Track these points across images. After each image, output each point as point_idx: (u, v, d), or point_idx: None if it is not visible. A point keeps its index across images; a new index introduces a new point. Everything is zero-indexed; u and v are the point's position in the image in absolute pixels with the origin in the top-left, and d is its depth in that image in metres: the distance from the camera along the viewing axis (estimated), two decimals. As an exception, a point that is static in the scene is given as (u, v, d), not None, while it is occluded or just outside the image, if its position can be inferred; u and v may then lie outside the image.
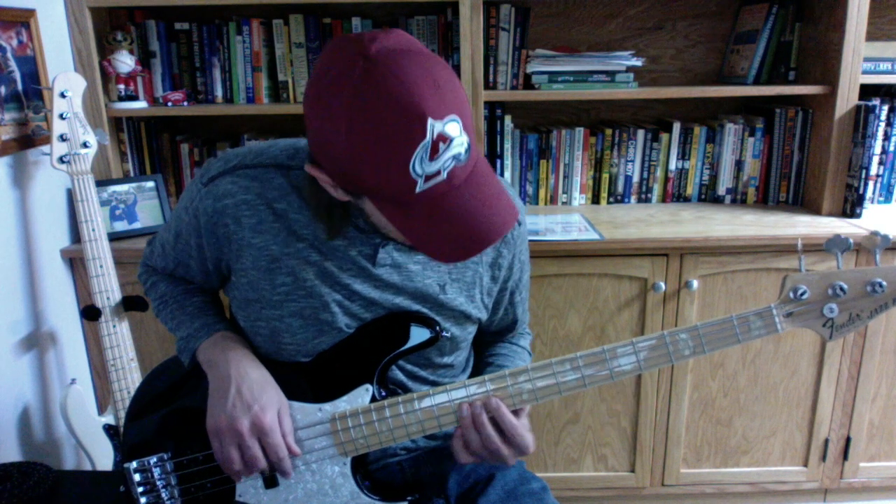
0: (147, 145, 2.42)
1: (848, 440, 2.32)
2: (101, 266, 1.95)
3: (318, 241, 1.12)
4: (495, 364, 1.32)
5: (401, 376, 1.21)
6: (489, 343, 1.39)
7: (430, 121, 0.86)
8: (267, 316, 1.15)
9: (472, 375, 1.37)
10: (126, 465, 1.16)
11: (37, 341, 2.06)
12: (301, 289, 1.13)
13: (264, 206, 1.11)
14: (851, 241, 1.07)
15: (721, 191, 2.54)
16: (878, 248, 1.06)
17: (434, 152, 0.88)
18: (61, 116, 1.93)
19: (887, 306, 1.07)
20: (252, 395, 1.09)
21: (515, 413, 1.10)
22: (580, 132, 2.48)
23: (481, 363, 1.36)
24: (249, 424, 1.07)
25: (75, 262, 2.20)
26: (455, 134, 0.89)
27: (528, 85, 2.41)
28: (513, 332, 1.40)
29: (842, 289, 1.07)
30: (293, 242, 1.12)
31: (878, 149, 2.43)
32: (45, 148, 2.03)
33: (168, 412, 1.21)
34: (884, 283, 1.06)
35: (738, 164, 2.51)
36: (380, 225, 1.03)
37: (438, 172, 0.90)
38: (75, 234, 2.22)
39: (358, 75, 0.87)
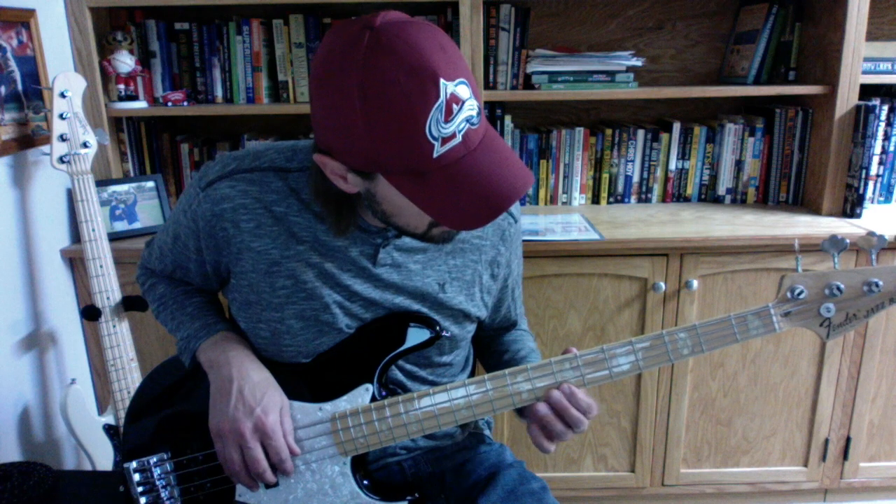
0: (147, 145, 2.43)
1: (848, 440, 2.32)
2: (101, 266, 1.95)
3: (318, 242, 1.12)
4: (511, 350, 1.33)
5: (400, 376, 1.22)
6: (493, 337, 1.40)
7: (442, 81, 0.87)
8: (267, 318, 1.15)
9: (484, 364, 1.39)
10: (126, 464, 1.17)
11: (37, 341, 2.06)
12: (301, 291, 1.13)
13: (262, 209, 1.11)
14: (848, 241, 1.07)
15: (721, 191, 2.54)
16: (874, 248, 1.06)
17: (448, 113, 0.88)
18: (61, 116, 1.93)
19: (884, 306, 1.08)
20: (254, 398, 1.09)
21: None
22: (580, 132, 2.48)
23: (493, 353, 1.37)
24: (252, 427, 1.07)
25: (75, 262, 2.20)
26: (466, 96, 0.90)
27: (528, 85, 2.41)
28: (515, 324, 1.41)
29: (839, 288, 1.07)
30: (293, 245, 1.12)
31: (878, 149, 2.43)
32: (45, 148, 2.03)
33: (168, 411, 1.22)
34: (880, 282, 1.06)
35: (738, 164, 2.51)
36: (392, 211, 1.02)
37: (454, 135, 0.90)
38: (75, 234, 2.22)
39: (366, 45, 0.87)
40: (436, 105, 0.87)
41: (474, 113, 0.92)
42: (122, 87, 2.31)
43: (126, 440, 1.22)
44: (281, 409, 1.11)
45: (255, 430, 1.08)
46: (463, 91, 0.90)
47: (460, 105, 0.89)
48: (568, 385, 1.11)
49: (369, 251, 1.13)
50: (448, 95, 0.88)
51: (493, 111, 2.43)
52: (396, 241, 1.14)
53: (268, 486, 1.13)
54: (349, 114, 0.89)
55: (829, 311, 1.09)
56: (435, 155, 0.90)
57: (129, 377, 1.98)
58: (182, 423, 1.19)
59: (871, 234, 1.07)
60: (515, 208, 1.26)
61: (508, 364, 1.28)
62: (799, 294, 1.08)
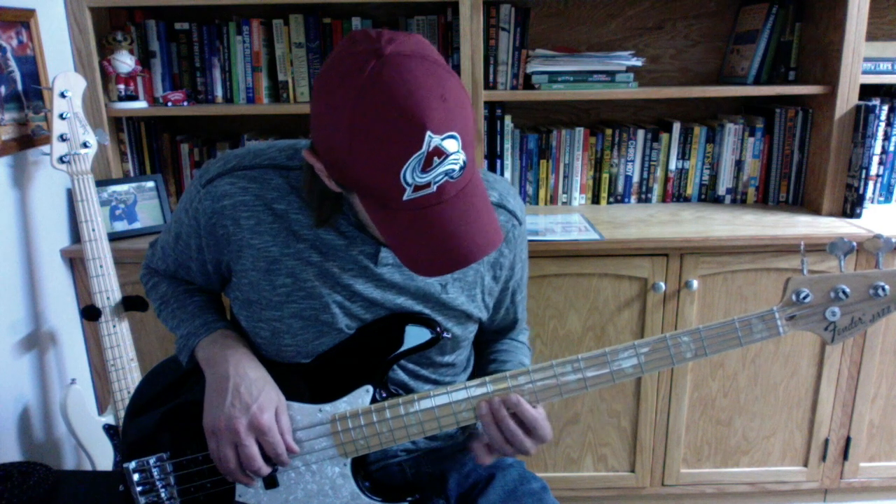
0: (147, 145, 2.42)
1: (848, 440, 2.32)
2: (101, 266, 1.95)
3: (319, 241, 1.12)
4: (498, 360, 1.32)
5: (402, 375, 1.22)
6: (489, 341, 1.39)
7: (428, 133, 0.87)
8: (267, 317, 1.15)
9: (473, 373, 1.37)
10: (125, 465, 1.16)
11: (37, 341, 2.06)
12: (301, 290, 1.13)
13: (263, 206, 1.11)
14: (854, 244, 1.07)
15: (721, 191, 2.54)
16: (880, 250, 1.06)
17: (427, 165, 0.88)
18: (61, 116, 1.93)
19: (889, 310, 1.07)
20: (250, 395, 1.09)
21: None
22: (580, 132, 2.48)
23: (483, 360, 1.36)
24: (247, 424, 1.07)
25: (75, 262, 2.20)
26: (452, 150, 0.89)
27: (528, 85, 2.41)
28: (513, 330, 1.40)
29: (844, 292, 1.07)
30: (293, 243, 1.12)
31: (878, 149, 2.43)
32: (45, 148, 2.03)
33: (167, 411, 1.21)
34: (886, 286, 1.06)
35: (738, 164, 2.51)
36: (365, 222, 1.04)
37: (428, 185, 0.90)
38: (75, 234, 2.22)
39: (368, 74, 0.87)
40: (416, 155, 0.87)
41: (457, 167, 0.91)
42: (122, 87, 2.31)
43: (125, 439, 1.22)
44: (277, 406, 1.11)
45: (251, 428, 1.07)
46: (450, 145, 0.89)
47: (442, 159, 0.89)
48: (516, 395, 1.09)
49: (370, 250, 1.13)
50: (431, 148, 0.87)
51: (492, 111, 2.43)
52: None
53: (266, 483, 1.13)
54: (336, 132, 0.90)
55: (835, 315, 1.08)
56: (404, 198, 0.91)
57: (129, 377, 1.98)
58: (181, 423, 1.18)
59: (878, 236, 1.06)
60: (520, 210, 1.25)
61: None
62: (804, 298, 1.08)
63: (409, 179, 0.89)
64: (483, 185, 0.99)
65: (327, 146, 0.93)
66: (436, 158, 0.88)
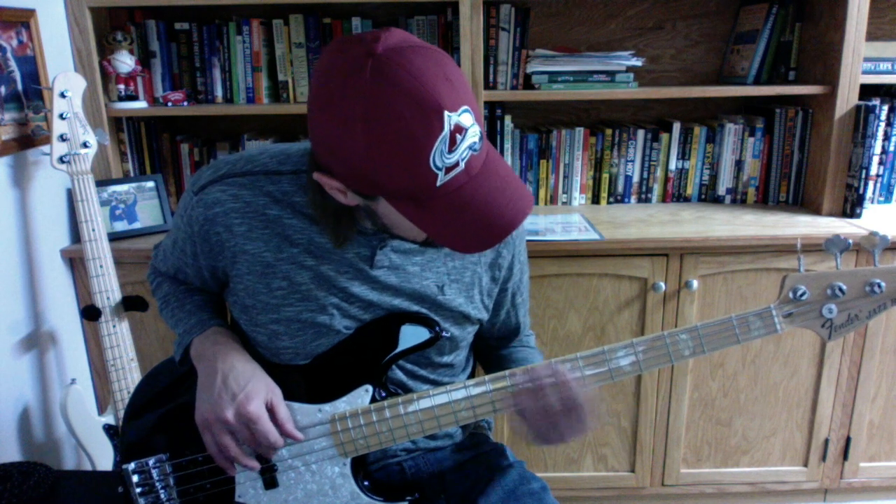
0: (147, 145, 2.42)
1: (848, 440, 2.32)
2: (101, 266, 1.95)
3: (312, 245, 1.12)
4: (518, 363, 1.31)
5: (400, 375, 1.22)
6: (495, 347, 1.39)
7: (446, 113, 0.87)
8: (264, 320, 1.15)
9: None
10: (124, 466, 1.16)
11: (37, 341, 2.06)
12: (297, 293, 1.13)
13: (254, 213, 1.11)
14: (850, 241, 1.07)
15: (721, 191, 2.54)
16: (876, 248, 1.06)
17: (452, 144, 0.89)
18: (61, 116, 1.93)
19: (885, 307, 1.08)
20: (238, 385, 1.09)
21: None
22: (580, 132, 2.48)
23: (501, 368, 1.34)
24: (234, 413, 1.07)
25: (75, 262, 2.20)
26: (469, 124, 0.90)
27: (528, 85, 2.41)
28: (518, 336, 1.39)
29: (841, 289, 1.07)
30: (286, 248, 1.12)
31: (878, 149, 2.43)
32: (45, 148, 2.03)
33: (166, 412, 1.21)
34: (882, 283, 1.06)
35: (738, 164, 2.51)
36: (392, 225, 1.02)
37: (457, 164, 0.90)
38: (75, 234, 2.22)
39: (369, 75, 0.86)
40: (440, 137, 0.87)
41: (477, 139, 0.92)
42: (122, 87, 2.31)
43: (124, 441, 1.22)
44: (270, 397, 1.10)
45: (238, 416, 1.07)
46: (466, 119, 0.90)
47: (463, 134, 0.89)
48: (559, 365, 1.09)
49: (366, 253, 1.13)
50: (452, 127, 0.88)
51: (493, 111, 2.43)
52: (393, 242, 1.14)
53: (266, 483, 1.13)
54: (351, 142, 0.89)
55: (831, 312, 1.08)
56: (438, 184, 0.91)
57: (129, 377, 1.98)
58: (180, 424, 1.18)
59: (873, 233, 1.06)
60: None
61: None
62: (801, 295, 1.08)
63: (439, 163, 0.89)
64: (497, 152, 0.99)
65: (344, 161, 0.92)
66: (458, 136, 0.89)
